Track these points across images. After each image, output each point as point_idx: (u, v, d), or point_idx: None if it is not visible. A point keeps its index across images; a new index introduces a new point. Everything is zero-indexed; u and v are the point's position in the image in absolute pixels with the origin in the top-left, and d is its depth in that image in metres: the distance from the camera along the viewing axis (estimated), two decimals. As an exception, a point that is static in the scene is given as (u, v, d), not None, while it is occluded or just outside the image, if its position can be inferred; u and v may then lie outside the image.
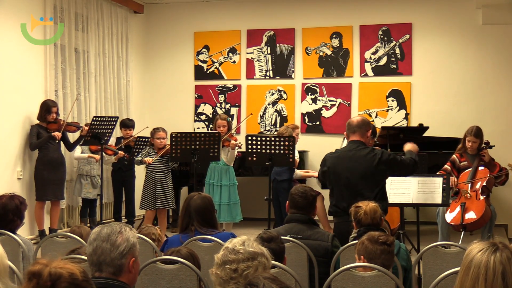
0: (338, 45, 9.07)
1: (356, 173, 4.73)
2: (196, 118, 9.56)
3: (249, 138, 6.37)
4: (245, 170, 8.22)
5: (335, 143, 8.33)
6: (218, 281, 2.43)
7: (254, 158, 6.35)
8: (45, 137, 6.96)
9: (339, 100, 9.03)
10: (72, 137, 7.45)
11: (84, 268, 1.92)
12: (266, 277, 1.95)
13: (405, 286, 3.58)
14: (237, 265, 2.40)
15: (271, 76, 9.34)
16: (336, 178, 4.84)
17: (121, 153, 7.63)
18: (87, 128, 7.16)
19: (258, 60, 9.38)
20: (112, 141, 7.75)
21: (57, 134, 6.95)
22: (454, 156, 6.84)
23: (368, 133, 4.91)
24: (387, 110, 8.85)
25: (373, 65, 8.96)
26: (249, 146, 6.33)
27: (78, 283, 1.86)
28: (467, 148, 6.78)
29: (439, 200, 5.47)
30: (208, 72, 9.56)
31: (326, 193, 7.54)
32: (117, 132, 8.10)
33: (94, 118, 7.19)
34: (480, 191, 6.46)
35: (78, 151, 7.52)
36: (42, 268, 1.86)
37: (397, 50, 8.87)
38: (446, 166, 6.77)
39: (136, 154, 7.45)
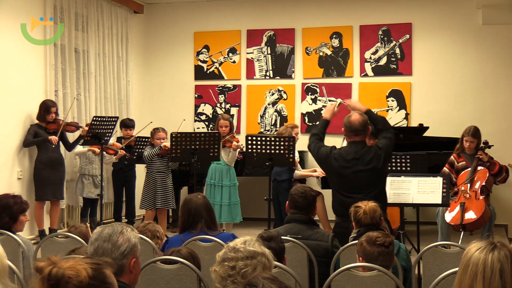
0: (338, 45, 9.07)
1: (362, 173, 4.73)
2: (196, 118, 9.56)
3: (249, 138, 6.37)
4: (246, 169, 8.21)
5: (335, 143, 8.26)
6: (217, 279, 2.44)
7: (254, 158, 6.36)
8: (41, 138, 6.94)
9: (339, 100, 9.03)
10: (72, 137, 7.46)
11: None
12: (266, 277, 1.95)
13: (405, 286, 3.58)
14: (235, 262, 2.41)
15: (271, 76, 9.34)
16: (341, 177, 4.79)
17: (121, 151, 7.62)
18: (87, 128, 7.16)
19: (258, 60, 9.38)
20: (112, 141, 7.74)
21: (54, 138, 6.92)
22: (451, 157, 6.84)
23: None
24: (387, 110, 8.85)
25: (373, 65, 8.97)
26: (249, 146, 6.33)
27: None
28: (465, 148, 6.78)
29: (439, 200, 5.47)
30: (208, 72, 9.56)
31: (326, 193, 7.60)
32: (117, 132, 8.09)
33: (94, 118, 7.19)
34: (479, 191, 6.46)
35: (78, 146, 7.51)
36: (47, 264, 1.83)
37: (397, 50, 8.87)
38: (444, 168, 6.77)
39: (136, 154, 7.45)
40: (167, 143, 7.07)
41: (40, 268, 1.78)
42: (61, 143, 7.25)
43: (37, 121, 7.09)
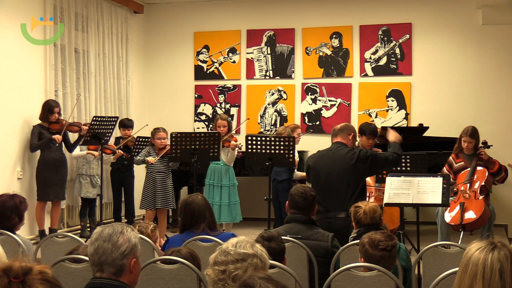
0: (338, 45, 9.07)
1: (335, 171, 4.99)
2: (196, 118, 9.56)
3: (249, 138, 6.37)
4: (245, 170, 8.21)
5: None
6: (210, 282, 2.44)
7: (254, 158, 6.37)
8: (45, 139, 6.94)
9: (339, 100, 9.03)
10: (73, 137, 7.45)
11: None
12: (261, 277, 1.95)
13: (405, 286, 3.58)
14: (226, 266, 2.39)
15: (271, 76, 9.34)
16: (316, 175, 5.09)
17: (119, 151, 7.61)
18: (86, 128, 7.16)
19: (258, 60, 9.38)
20: (111, 142, 7.74)
21: (58, 137, 6.92)
22: (450, 158, 6.83)
23: (350, 136, 5.22)
24: (387, 110, 8.85)
25: (373, 65, 8.97)
26: (249, 146, 6.33)
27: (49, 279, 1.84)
28: (463, 149, 6.78)
29: (439, 200, 5.46)
30: (208, 72, 9.56)
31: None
32: (116, 132, 8.08)
33: (94, 118, 7.19)
34: (479, 191, 6.45)
35: (76, 149, 7.51)
36: (11, 263, 1.83)
37: (397, 50, 8.87)
38: (443, 169, 6.77)
39: (136, 154, 7.45)
40: (150, 158, 7.06)
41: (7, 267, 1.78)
42: (63, 143, 7.25)
43: (38, 122, 7.08)
